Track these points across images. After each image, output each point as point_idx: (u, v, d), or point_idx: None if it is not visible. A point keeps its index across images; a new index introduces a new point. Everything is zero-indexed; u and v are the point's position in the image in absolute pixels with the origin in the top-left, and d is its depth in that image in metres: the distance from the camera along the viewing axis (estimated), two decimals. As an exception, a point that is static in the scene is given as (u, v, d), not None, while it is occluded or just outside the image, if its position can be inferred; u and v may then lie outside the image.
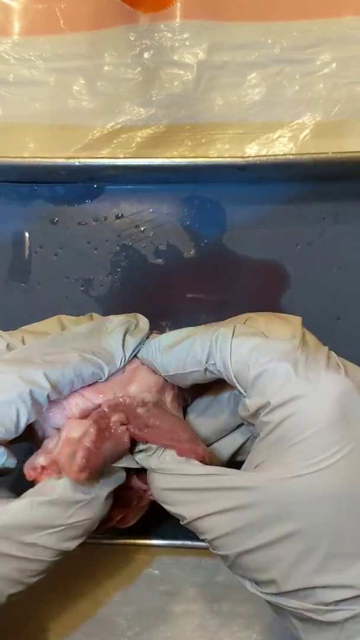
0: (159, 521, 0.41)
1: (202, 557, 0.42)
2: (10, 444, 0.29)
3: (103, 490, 0.28)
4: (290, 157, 0.40)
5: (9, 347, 0.30)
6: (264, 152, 0.43)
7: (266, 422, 0.26)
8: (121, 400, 0.30)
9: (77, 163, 0.39)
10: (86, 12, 0.44)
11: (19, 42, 0.44)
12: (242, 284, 0.42)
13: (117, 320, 0.32)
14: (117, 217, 0.43)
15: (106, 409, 0.29)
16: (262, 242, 0.42)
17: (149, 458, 0.29)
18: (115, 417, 0.29)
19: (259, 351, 0.27)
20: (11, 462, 0.29)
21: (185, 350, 0.29)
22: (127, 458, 0.29)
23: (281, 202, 0.42)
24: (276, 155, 0.42)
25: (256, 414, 0.27)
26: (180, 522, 0.28)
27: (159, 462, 0.29)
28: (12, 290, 0.43)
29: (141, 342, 0.31)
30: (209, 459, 0.29)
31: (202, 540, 0.27)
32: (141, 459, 0.29)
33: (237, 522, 0.25)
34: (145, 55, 0.44)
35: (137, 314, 0.33)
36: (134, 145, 0.44)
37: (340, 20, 0.43)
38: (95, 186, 0.43)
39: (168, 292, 0.42)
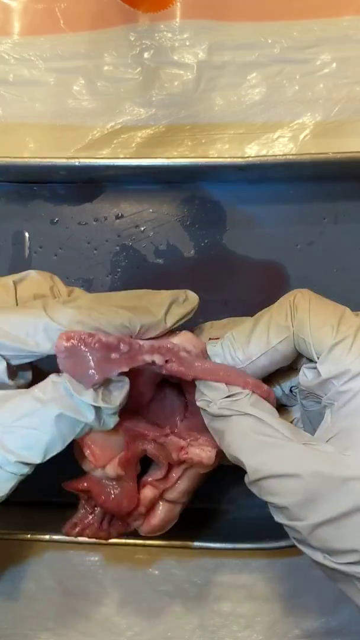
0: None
1: (202, 557, 0.42)
2: None
3: (57, 403, 0.27)
4: (290, 157, 0.40)
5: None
6: (264, 152, 0.43)
7: (344, 390, 0.26)
8: (164, 344, 0.30)
9: (77, 163, 0.39)
10: (86, 12, 0.44)
11: (19, 42, 0.44)
12: (242, 284, 0.42)
13: (166, 293, 0.31)
14: (117, 217, 0.43)
15: (145, 346, 0.29)
16: (262, 242, 0.42)
17: (238, 402, 0.28)
18: (150, 357, 0.29)
19: (339, 320, 0.27)
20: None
21: (265, 327, 0.29)
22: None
23: (281, 202, 0.42)
24: (276, 155, 0.42)
25: (326, 382, 0.27)
26: (252, 477, 0.27)
27: (256, 409, 0.28)
28: (12, 290, 0.43)
29: (186, 316, 0.31)
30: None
31: (272, 507, 0.27)
32: (229, 404, 0.28)
33: (322, 490, 0.25)
34: (145, 55, 0.44)
35: (187, 290, 0.32)
36: (134, 145, 0.44)
37: (340, 20, 0.43)
38: (95, 186, 0.43)
39: (168, 292, 0.42)
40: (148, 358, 0.29)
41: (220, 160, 0.40)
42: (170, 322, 0.30)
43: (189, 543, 0.39)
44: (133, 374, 0.30)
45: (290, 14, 0.43)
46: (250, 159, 0.39)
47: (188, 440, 0.32)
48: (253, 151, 0.43)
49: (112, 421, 0.29)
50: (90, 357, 0.27)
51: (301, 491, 0.25)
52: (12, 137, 0.44)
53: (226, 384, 0.29)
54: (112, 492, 0.31)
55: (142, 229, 0.43)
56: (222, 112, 0.44)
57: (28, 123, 0.44)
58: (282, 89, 0.43)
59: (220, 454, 0.31)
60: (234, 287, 0.42)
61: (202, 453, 0.31)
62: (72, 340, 0.27)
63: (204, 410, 0.29)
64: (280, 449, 0.26)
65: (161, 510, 0.33)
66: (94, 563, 0.43)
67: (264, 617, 0.42)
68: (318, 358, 0.27)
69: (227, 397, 0.28)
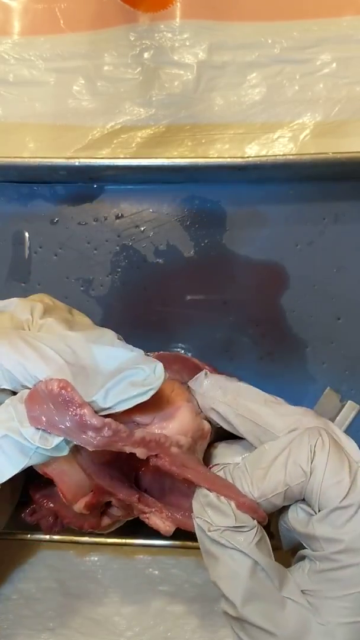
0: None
1: (202, 557, 0.42)
2: None
3: None
4: (290, 157, 0.40)
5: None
6: (264, 152, 0.43)
7: (333, 559, 0.26)
8: (155, 437, 0.28)
9: (77, 163, 0.39)
10: (86, 12, 0.44)
11: (19, 42, 0.44)
12: (242, 284, 0.42)
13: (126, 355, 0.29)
14: (117, 217, 0.43)
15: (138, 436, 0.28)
16: (262, 242, 0.42)
17: (243, 538, 0.28)
18: (131, 449, 0.28)
19: (351, 482, 0.27)
20: None
21: (283, 467, 0.28)
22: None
23: (281, 202, 0.42)
24: (276, 155, 0.42)
25: (316, 539, 0.27)
26: (235, 615, 0.28)
27: (258, 552, 0.27)
28: (12, 290, 0.43)
29: (140, 398, 0.27)
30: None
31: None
32: (232, 536, 0.28)
33: None
34: (145, 55, 0.44)
35: (157, 362, 0.29)
36: (134, 145, 0.44)
37: (340, 20, 0.43)
38: (95, 186, 0.43)
39: (168, 292, 0.42)
40: (128, 450, 0.28)
41: (220, 160, 0.40)
42: (111, 402, 0.27)
43: (189, 543, 0.39)
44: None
45: (290, 14, 0.43)
46: (250, 159, 0.39)
47: (152, 509, 0.32)
48: (253, 151, 0.43)
49: (63, 447, 0.28)
50: (64, 419, 0.26)
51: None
52: (12, 137, 0.44)
53: (227, 499, 0.28)
54: (76, 515, 0.32)
55: (142, 229, 0.43)
56: (222, 112, 0.44)
57: (28, 123, 0.44)
58: (282, 89, 0.43)
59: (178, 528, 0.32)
60: (233, 287, 0.42)
61: (162, 526, 0.31)
62: (61, 391, 0.26)
63: (200, 528, 0.28)
64: (267, 604, 0.27)
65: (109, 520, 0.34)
66: (94, 563, 0.43)
67: (264, 617, 0.42)
68: (319, 511, 0.27)
69: (230, 527, 0.28)
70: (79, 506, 0.31)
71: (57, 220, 0.43)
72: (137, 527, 0.39)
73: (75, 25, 0.44)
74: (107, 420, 0.27)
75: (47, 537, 0.39)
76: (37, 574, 0.43)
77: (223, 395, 0.32)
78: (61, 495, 0.30)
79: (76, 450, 0.30)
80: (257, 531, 0.28)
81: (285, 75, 0.43)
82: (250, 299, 0.42)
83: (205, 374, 0.33)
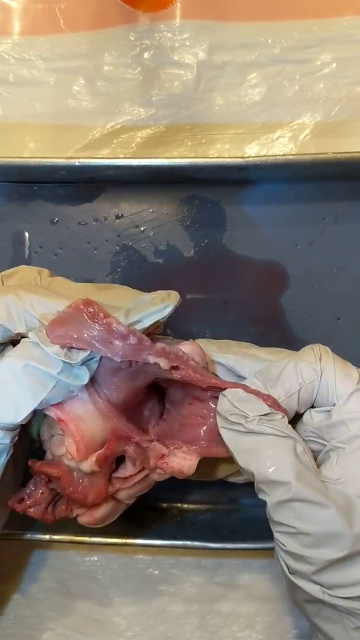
0: (159, 521, 0.41)
1: (202, 557, 0.42)
2: None
3: (16, 361, 0.27)
4: (290, 157, 0.40)
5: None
6: (264, 152, 0.43)
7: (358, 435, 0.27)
8: (174, 350, 0.29)
9: (77, 163, 0.39)
10: (86, 12, 0.44)
11: (19, 42, 0.44)
12: (242, 284, 0.42)
13: (140, 293, 0.31)
14: (117, 217, 0.43)
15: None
16: (262, 242, 0.42)
17: (279, 423, 0.28)
18: (154, 359, 0.28)
19: (359, 372, 0.29)
20: None
21: (294, 369, 0.29)
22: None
23: (281, 202, 0.42)
24: (276, 155, 0.42)
25: (339, 425, 0.28)
26: (284, 497, 0.27)
27: (295, 434, 0.28)
28: (12, 290, 0.43)
29: (158, 314, 0.29)
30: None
31: (286, 532, 0.27)
32: (269, 422, 0.28)
33: (347, 527, 0.26)
34: (145, 55, 0.44)
35: (171, 291, 0.31)
36: (134, 145, 0.44)
37: (340, 20, 0.43)
38: (95, 186, 0.43)
39: (168, 292, 0.42)
40: (152, 359, 0.28)
41: (220, 160, 0.40)
42: (132, 319, 0.29)
43: (189, 543, 0.39)
44: (134, 373, 0.30)
45: (290, 14, 0.43)
46: (250, 159, 0.39)
47: (171, 448, 0.31)
48: (253, 151, 0.43)
49: (84, 374, 0.28)
50: (91, 329, 0.28)
51: (331, 523, 0.26)
52: (12, 137, 0.44)
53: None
54: (81, 484, 0.30)
55: (142, 229, 0.43)
56: (222, 112, 0.44)
57: (28, 123, 0.44)
58: (282, 89, 0.43)
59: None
60: (233, 287, 0.42)
61: (184, 462, 0.31)
62: (87, 307, 0.28)
63: (234, 423, 0.28)
64: (315, 480, 0.27)
65: (106, 507, 0.32)
66: (94, 563, 0.43)
67: (264, 617, 0.42)
68: (337, 401, 0.28)
69: (264, 414, 0.28)
70: (90, 462, 0.29)
71: (57, 220, 0.43)
72: (137, 527, 0.39)
73: (75, 25, 0.44)
74: (132, 328, 0.28)
75: (47, 537, 0.39)
76: (37, 574, 0.43)
77: (218, 348, 0.33)
78: (73, 452, 0.29)
79: (94, 391, 0.30)
80: (285, 418, 0.29)
81: (285, 75, 0.44)
82: (250, 299, 0.42)
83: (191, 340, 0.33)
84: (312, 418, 0.30)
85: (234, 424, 0.28)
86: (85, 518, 0.32)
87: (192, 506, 0.42)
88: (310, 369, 0.29)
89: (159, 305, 0.29)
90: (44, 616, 0.42)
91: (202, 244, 0.43)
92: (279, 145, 0.43)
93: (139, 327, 0.29)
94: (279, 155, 0.42)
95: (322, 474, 0.28)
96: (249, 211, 0.42)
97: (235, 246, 0.42)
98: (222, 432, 0.29)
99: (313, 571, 0.26)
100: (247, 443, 0.28)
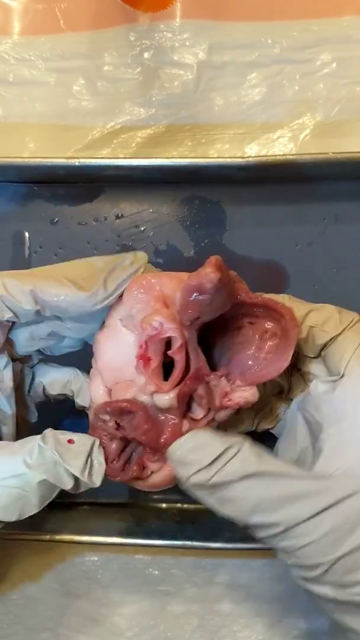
0: (159, 521, 0.41)
1: (202, 557, 0.42)
2: None
3: (40, 469, 0.28)
4: (290, 157, 0.40)
5: None
6: (264, 152, 0.43)
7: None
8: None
9: (77, 163, 0.39)
10: (86, 12, 0.44)
11: (19, 42, 0.44)
12: (242, 284, 0.42)
13: (107, 258, 0.31)
14: (117, 217, 0.43)
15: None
16: (262, 242, 0.42)
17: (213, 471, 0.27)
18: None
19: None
20: None
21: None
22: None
23: (281, 202, 0.42)
24: (276, 155, 0.42)
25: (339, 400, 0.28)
26: (263, 534, 0.27)
27: (258, 464, 0.27)
28: (12, 290, 0.43)
29: (129, 277, 0.30)
30: None
31: (284, 551, 0.26)
32: (197, 482, 0.27)
33: (335, 523, 0.25)
34: (145, 55, 0.44)
35: (136, 251, 0.32)
36: (134, 145, 0.44)
37: (340, 20, 0.43)
38: (95, 186, 0.43)
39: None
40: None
41: (220, 160, 0.40)
42: (111, 287, 0.29)
43: (189, 543, 0.39)
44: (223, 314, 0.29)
45: (290, 14, 0.43)
46: (250, 159, 0.39)
47: (232, 383, 0.30)
48: (253, 151, 0.43)
49: (98, 481, 0.29)
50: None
51: (330, 523, 0.25)
52: (12, 137, 0.44)
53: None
54: (157, 420, 0.29)
55: (142, 229, 0.43)
56: (222, 112, 0.44)
57: (28, 123, 0.44)
58: (282, 89, 0.43)
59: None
60: (234, 287, 0.42)
61: (246, 393, 0.30)
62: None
63: (199, 486, 0.27)
64: (300, 496, 0.26)
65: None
66: (94, 563, 0.43)
67: (264, 617, 0.42)
68: (344, 377, 0.29)
69: (218, 456, 0.27)
70: (171, 396, 0.28)
71: (57, 220, 0.43)
72: (137, 527, 0.39)
73: (75, 25, 0.44)
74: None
75: (47, 536, 0.39)
76: (37, 574, 0.43)
77: None
78: (155, 378, 0.28)
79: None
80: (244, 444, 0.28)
81: (285, 75, 0.43)
82: (250, 299, 0.42)
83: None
84: (317, 388, 0.30)
85: (199, 487, 0.27)
86: (159, 478, 0.30)
87: (192, 506, 0.42)
88: (336, 323, 0.30)
89: (130, 269, 0.30)
90: (44, 616, 0.42)
91: (202, 244, 0.43)
92: (279, 145, 0.43)
93: (117, 292, 0.29)
94: (279, 155, 0.42)
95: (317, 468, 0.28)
96: (249, 211, 0.42)
97: (235, 246, 0.42)
98: (193, 494, 0.28)
99: (319, 575, 0.26)
100: (221, 495, 0.27)
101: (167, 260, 0.43)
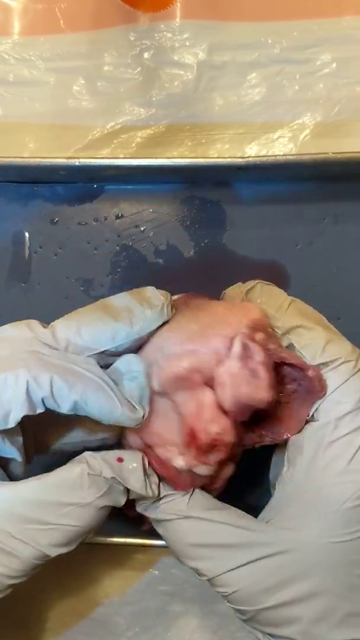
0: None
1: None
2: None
3: (100, 500, 0.28)
4: (290, 157, 0.40)
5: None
6: (264, 152, 0.43)
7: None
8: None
9: (77, 163, 0.39)
10: (86, 12, 0.44)
11: (19, 42, 0.44)
12: (242, 284, 0.42)
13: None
14: (117, 217, 0.43)
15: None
16: (262, 242, 0.42)
17: (160, 506, 0.28)
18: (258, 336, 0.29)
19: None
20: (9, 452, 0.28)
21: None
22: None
23: (281, 202, 0.42)
24: (276, 155, 0.42)
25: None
26: (198, 577, 0.28)
27: (187, 509, 0.28)
28: (12, 290, 0.43)
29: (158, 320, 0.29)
30: None
31: (222, 595, 0.27)
32: (146, 508, 0.29)
33: (261, 577, 0.26)
34: (145, 55, 0.44)
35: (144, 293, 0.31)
36: (134, 145, 0.44)
37: (340, 20, 0.43)
38: (95, 186, 0.43)
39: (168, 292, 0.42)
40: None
41: (220, 160, 0.40)
42: (137, 327, 0.29)
43: (189, 543, 0.39)
44: None
45: (290, 14, 0.43)
46: (250, 159, 0.39)
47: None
48: (253, 151, 0.43)
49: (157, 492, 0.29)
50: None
51: (257, 575, 0.26)
52: (12, 137, 0.44)
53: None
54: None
55: (142, 229, 0.43)
56: (222, 112, 0.44)
57: (28, 123, 0.44)
58: (282, 89, 0.43)
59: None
60: (234, 287, 0.42)
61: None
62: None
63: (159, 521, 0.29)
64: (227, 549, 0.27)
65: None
66: (94, 563, 0.43)
67: (264, 617, 0.42)
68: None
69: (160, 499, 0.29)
70: (212, 468, 0.29)
71: (57, 220, 0.43)
72: (137, 527, 0.39)
73: (75, 25, 0.44)
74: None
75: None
76: (37, 573, 0.43)
77: None
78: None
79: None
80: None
81: (285, 75, 0.43)
82: (250, 299, 0.42)
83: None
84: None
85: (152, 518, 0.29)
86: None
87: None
88: (315, 353, 0.29)
89: (158, 311, 0.30)
90: (44, 616, 0.42)
91: (202, 244, 0.43)
92: (279, 145, 0.43)
93: (147, 331, 0.29)
94: (279, 155, 0.42)
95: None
96: (249, 211, 0.42)
97: (235, 246, 0.42)
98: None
99: (247, 618, 0.27)
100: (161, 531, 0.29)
101: (167, 260, 0.43)
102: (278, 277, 0.42)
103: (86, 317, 0.29)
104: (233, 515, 0.28)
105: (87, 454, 0.29)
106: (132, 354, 0.30)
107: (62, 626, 0.42)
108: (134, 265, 0.43)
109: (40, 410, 0.27)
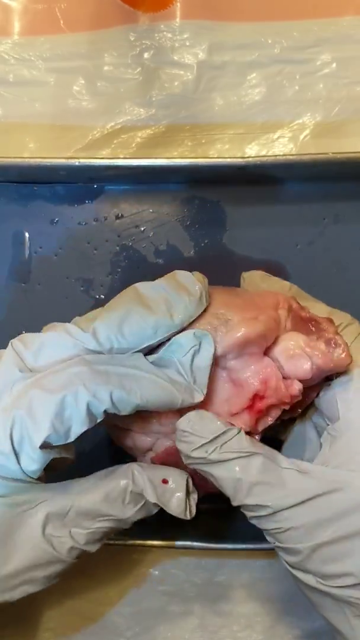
0: (159, 521, 0.41)
1: (202, 557, 0.42)
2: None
3: (136, 514, 0.29)
4: (290, 157, 0.40)
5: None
6: (264, 152, 0.43)
7: None
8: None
9: (77, 163, 0.39)
10: (86, 12, 0.44)
11: (19, 42, 0.44)
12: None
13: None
14: (117, 217, 0.43)
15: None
16: (262, 242, 0.42)
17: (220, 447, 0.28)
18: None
19: None
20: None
21: None
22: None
23: (281, 202, 0.42)
24: (276, 155, 0.42)
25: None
26: (251, 515, 0.28)
27: (254, 447, 0.28)
28: (12, 290, 0.43)
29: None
30: None
31: (270, 534, 0.28)
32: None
33: (319, 513, 0.26)
34: (145, 55, 0.44)
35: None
36: (134, 145, 0.44)
37: (340, 20, 0.43)
38: (95, 186, 0.43)
39: (168, 292, 0.42)
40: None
41: (220, 160, 0.40)
42: (177, 320, 0.29)
43: (189, 543, 0.39)
44: None
45: (290, 14, 0.43)
46: (250, 159, 0.39)
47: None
48: (253, 151, 0.43)
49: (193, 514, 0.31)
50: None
51: (314, 512, 0.26)
52: (12, 137, 0.44)
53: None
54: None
55: (142, 229, 0.43)
56: (222, 112, 0.44)
57: (28, 123, 0.44)
58: (282, 89, 0.43)
59: None
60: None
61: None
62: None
63: (198, 458, 0.28)
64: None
65: None
66: (95, 563, 0.43)
67: (264, 617, 0.42)
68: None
69: (219, 435, 0.28)
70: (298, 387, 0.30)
71: (57, 220, 0.43)
72: (137, 527, 0.39)
73: (75, 25, 0.44)
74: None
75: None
76: (37, 574, 0.43)
77: None
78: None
79: None
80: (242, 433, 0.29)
81: (285, 75, 0.43)
82: (250, 299, 0.42)
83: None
84: (329, 390, 0.31)
85: (199, 461, 0.28)
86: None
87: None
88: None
89: (197, 299, 0.30)
90: (44, 616, 0.42)
91: (202, 244, 0.43)
92: (279, 145, 0.43)
93: (187, 322, 0.29)
94: (279, 155, 0.42)
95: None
96: (249, 211, 0.42)
97: (235, 246, 0.42)
98: (194, 467, 0.29)
99: (300, 561, 0.27)
100: (218, 472, 0.28)
101: (167, 260, 0.43)
102: (278, 277, 0.42)
103: (124, 313, 0.29)
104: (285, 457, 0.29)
105: (134, 467, 0.29)
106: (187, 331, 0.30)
107: (62, 626, 0.42)
108: (134, 265, 0.43)
109: (100, 419, 0.27)
